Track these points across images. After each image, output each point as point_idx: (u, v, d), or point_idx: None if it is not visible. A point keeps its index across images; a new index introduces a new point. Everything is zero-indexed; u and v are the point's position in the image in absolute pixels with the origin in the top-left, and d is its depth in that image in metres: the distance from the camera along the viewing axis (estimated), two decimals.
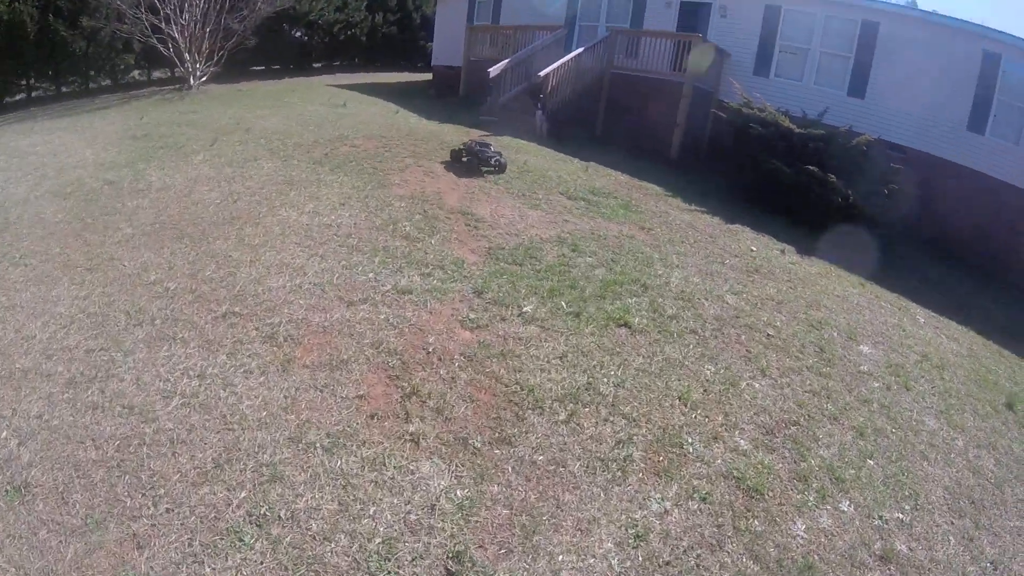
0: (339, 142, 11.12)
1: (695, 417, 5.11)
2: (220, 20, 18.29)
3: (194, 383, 4.62)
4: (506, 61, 14.87)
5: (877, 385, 6.21)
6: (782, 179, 11.43)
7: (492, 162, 9.96)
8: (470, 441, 4.38)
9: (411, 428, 4.40)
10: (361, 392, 4.67)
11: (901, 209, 11.83)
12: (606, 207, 9.47)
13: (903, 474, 5.07)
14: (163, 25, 17.47)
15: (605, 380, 5.31)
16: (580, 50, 14.25)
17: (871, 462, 5.09)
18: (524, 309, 6.04)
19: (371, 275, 6.27)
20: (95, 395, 4.49)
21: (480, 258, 7.00)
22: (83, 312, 5.55)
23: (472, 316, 5.78)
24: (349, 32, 25.41)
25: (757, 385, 5.73)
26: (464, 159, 10.15)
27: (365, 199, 8.20)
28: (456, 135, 12.52)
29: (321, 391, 4.64)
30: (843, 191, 10.94)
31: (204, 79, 19.00)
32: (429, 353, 5.19)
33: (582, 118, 14.62)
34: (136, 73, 22.09)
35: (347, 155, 10.24)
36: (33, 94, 19.69)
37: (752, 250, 9.27)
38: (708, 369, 5.80)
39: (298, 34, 25.06)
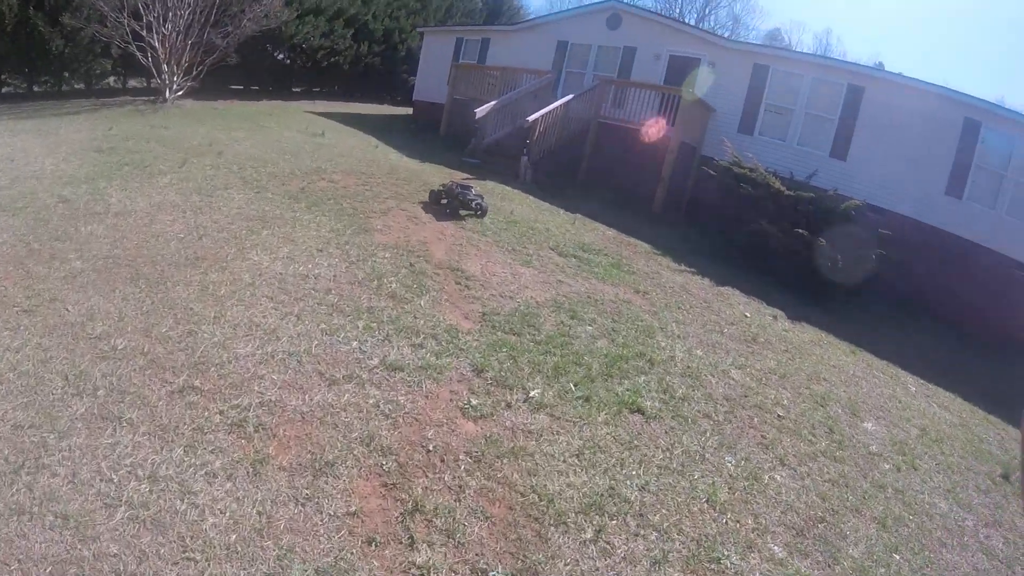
0: (317, 175, 10.16)
1: (726, 523, 4.41)
2: (203, 33, 17.22)
3: (144, 487, 3.57)
4: (493, 103, 14.11)
5: (888, 467, 5.78)
6: (771, 240, 10.83)
7: (472, 205, 9.14)
8: (490, 575, 3.44)
9: (418, 559, 3.43)
10: (353, 507, 3.68)
11: (886, 273, 11.29)
12: (598, 266, 8.70)
13: (928, 566, 4.66)
14: (144, 32, 16.34)
15: (628, 483, 4.48)
16: (569, 97, 13.57)
17: (897, 556, 4.65)
18: (531, 393, 5.14)
19: (355, 344, 5.29)
20: (22, 493, 3.42)
21: (475, 325, 6.09)
22: (13, 370, 4.46)
23: (474, 402, 4.85)
24: (332, 59, 24.35)
25: (779, 477, 5.13)
26: (443, 201, 9.30)
27: (345, 246, 7.25)
28: (439, 177, 11.68)
29: (304, 505, 3.64)
30: (832, 255, 10.36)
31: (180, 93, 17.83)
32: (430, 452, 4.24)
33: (566, 165, 13.90)
34: (112, 79, 20.86)
35: (325, 191, 9.29)
36: (3, 90, 18.40)
37: (746, 316, 8.72)
38: (729, 462, 5.13)
39: (281, 56, 23.99)
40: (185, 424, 4.09)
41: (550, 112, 13.18)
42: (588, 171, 14.19)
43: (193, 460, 3.81)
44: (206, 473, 3.73)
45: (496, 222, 9.32)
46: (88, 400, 4.24)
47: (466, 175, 12.40)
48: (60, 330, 5.00)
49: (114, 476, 3.64)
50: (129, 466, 3.72)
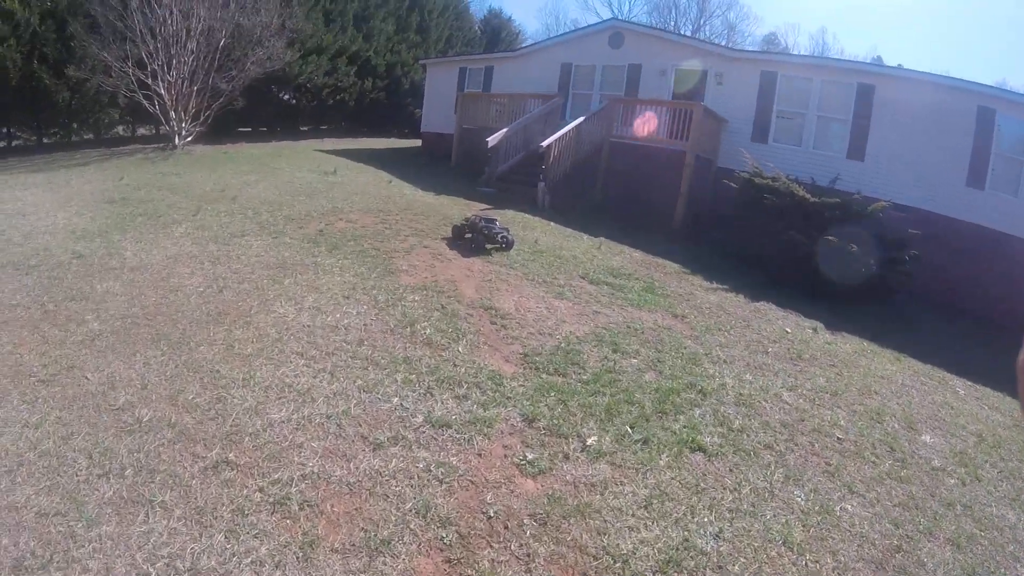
0: (334, 216, 9.83)
1: (806, 564, 3.99)
2: (208, 79, 17.07)
3: None
4: (504, 130, 13.80)
5: (953, 482, 5.37)
6: (800, 250, 10.40)
7: (499, 239, 8.78)
8: None
9: None
10: None
11: (918, 274, 10.85)
12: (631, 291, 8.31)
13: None
14: (150, 81, 16.20)
15: (701, 532, 4.04)
16: (580, 120, 13.23)
17: None
18: (588, 441, 4.72)
19: (396, 400, 4.87)
20: None
21: (517, 368, 5.69)
22: (34, 449, 4.06)
23: (530, 456, 4.43)
24: (338, 96, 24.21)
25: (850, 507, 4.69)
26: (468, 235, 8.94)
27: (372, 290, 6.87)
28: (457, 209, 11.35)
29: None
30: (864, 260, 9.93)
31: (189, 139, 17.64)
32: (491, 519, 3.80)
33: (582, 188, 13.55)
34: (120, 128, 20.70)
35: (344, 232, 8.95)
36: (13, 143, 18.25)
37: (787, 332, 8.32)
38: (798, 496, 4.69)
39: (286, 96, 23.84)
40: (223, 505, 3.68)
41: (563, 136, 12.85)
42: (604, 192, 13.84)
43: (236, 547, 3.39)
44: (252, 561, 3.32)
45: (522, 253, 8.95)
46: (116, 482, 3.84)
47: (484, 205, 12.07)
48: (80, 401, 4.61)
49: (151, 570, 3.23)
50: (167, 557, 3.31)
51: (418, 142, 21.73)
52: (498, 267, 8.21)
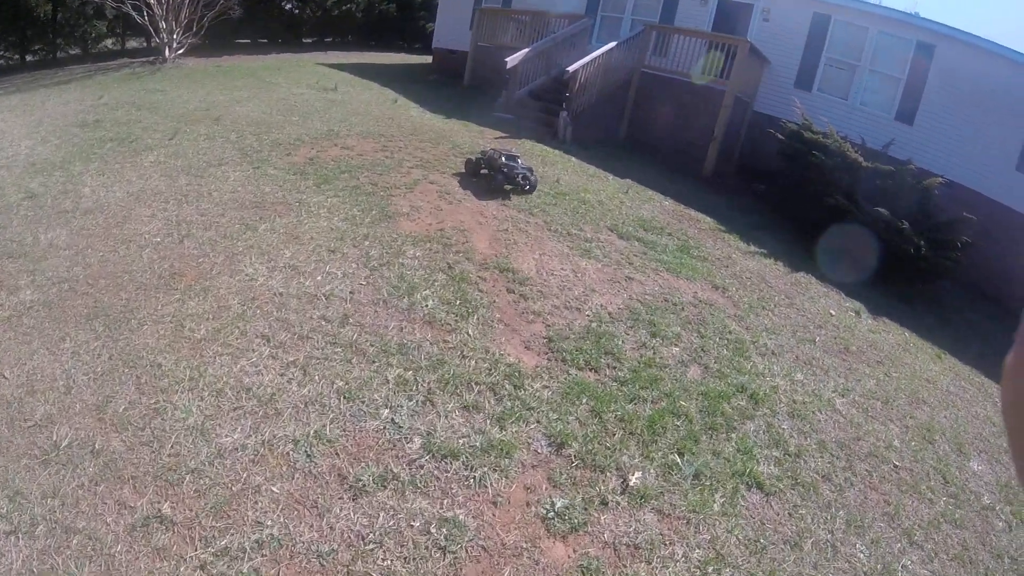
0: (328, 141, 8.39)
1: None
2: None
3: None
4: (525, 50, 12.08)
5: (1001, 524, 4.66)
6: (846, 218, 9.05)
7: (520, 179, 7.35)
8: None
9: None
10: None
11: (969, 261, 9.56)
12: (665, 250, 7.05)
13: None
14: None
15: None
16: (612, 45, 11.53)
17: None
18: (630, 480, 3.55)
19: (386, 413, 3.62)
20: None
21: (541, 359, 4.45)
22: None
23: (559, 504, 3.25)
24: (345, 7, 21.87)
25: (910, 564, 3.94)
26: (484, 171, 7.54)
27: (364, 241, 5.54)
28: (469, 136, 9.87)
29: None
30: (915, 241, 8.61)
31: (181, 51, 15.72)
32: None
33: (606, 121, 11.99)
34: (110, 42, 18.61)
35: (338, 161, 7.54)
36: None
37: (831, 314, 7.21)
38: (860, 550, 3.88)
39: (288, 6, 21.59)
40: None
41: (591, 62, 11.19)
42: (631, 127, 12.29)
43: None
44: None
45: (543, 196, 7.60)
46: (25, 546, 2.64)
47: (498, 133, 10.58)
48: None
49: None
50: None
51: (429, 59, 19.73)
52: (516, 212, 6.88)
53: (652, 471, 3.72)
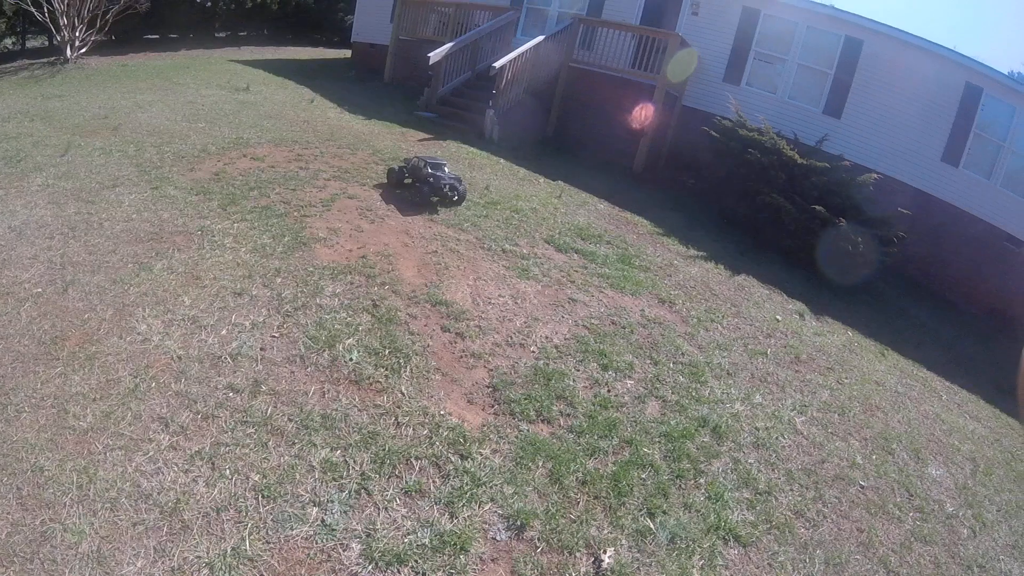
0: (236, 150, 7.51)
1: None
2: None
3: None
4: (448, 44, 11.33)
5: (966, 532, 4.53)
6: (782, 216, 8.76)
7: (447, 190, 6.64)
8: None
9: None
10: None
11: (903, 253, 9.46)
12: (605, 262, 6.54)
13: None
14: None
15: None
16: (539, 39, 10.89)
17: None
18: (603, 560, 2.98)
19: (314, 513, 2.89)
20: None
21: (487, 414, 3.81)
22: None
23: None
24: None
25: None
26: (407, 181, 6.82)
27: (275, 279, 4.71)
28: (391, 139, 9.11)
29: None
30: (852, 237, 8.39)
31: (84, 50, 14.20)
32: None
33: (534, 119, 11.37)
34: (9, 42, 16.80)
35: (247, 176, 6.68)
36: None
37: (777, 320, 6.89)
38: None
39: None
40: None
41: (519, 57, 10.55)
42: (559, 124, 11.71)
43: None
44: None
45: (474, 206, 6.94)
46: None
47: (422, 134, 9.85)
48: None
49: None
50: None
51: (348, 53, 18.64)
52: (445, 229, 6.20)
53: (624, 542, 3.18)
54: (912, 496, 4.65)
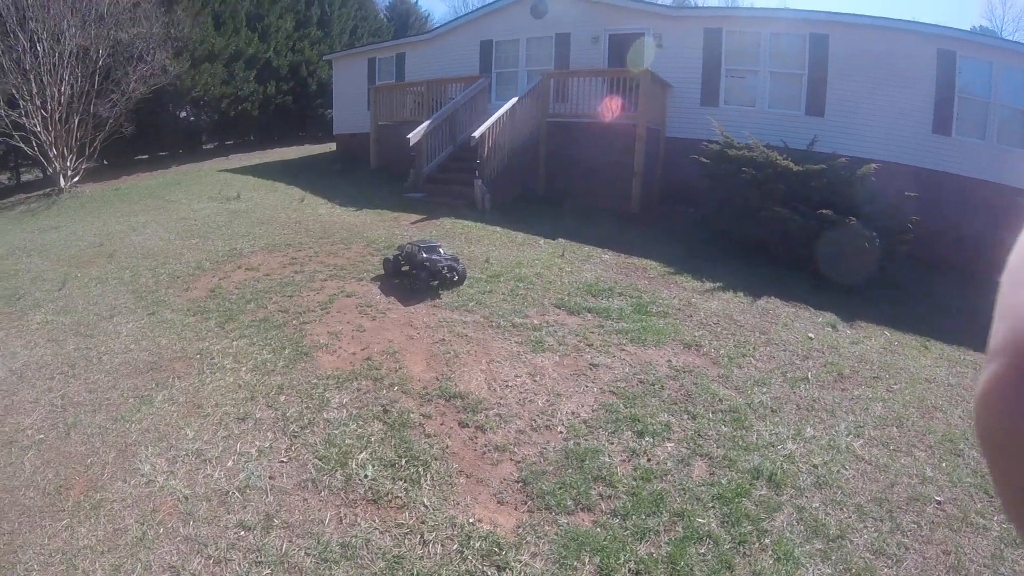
0: (231, 263, 7.37)
1: None
2: (89, 107, 13.91)
3: None
4: (426, 123, 11.32)
5: None
6: (789, 227, 8.45)
7: (446, 272, 6.40)
8: None
9: None
10: None
11: (920, 237, 9.10)
12: (621, 316, 6.21)
13: None
14: (24, 120, 12.97)
15: None
16: (513, 101, 10.85)
17: None
18: None
19: None
20: None
21: (519, 512, 3.46)
22: None
23: None
24: (240, 107, 20.63)
25: None
26: (405, 268, 6.61)
27: (279, 397, 4.44)
28: (384, 227, 8.97)
29: None
30: (866, 233, 8.05)
31: (77, 179, 14.45)
32: None
33: (522, 179, 11.25)
34: (4, 177, 17.20)
35: (242, 288, 6.51)
36: None
37: (810, 338, 6.51)
38: None
39: (183, 114, 20.33)
40: None
41: (497, 121, 10.48)
42: (548, 180, 11.57)
43: None
44: None
45: (476, 283, 6.70)
46: None
47: (414, 216, 9.71)
48: None
49: None
50: None
51: (333, 146, 18.84)
52: (450, 313, 5.93)
53: None
54: (992, 497, 4.20)
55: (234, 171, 15.42)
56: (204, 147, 21.14)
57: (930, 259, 10.93)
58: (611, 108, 10.73)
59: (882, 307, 7.94)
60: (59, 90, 13.41)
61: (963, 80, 11.26)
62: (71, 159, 14.28)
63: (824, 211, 8.20)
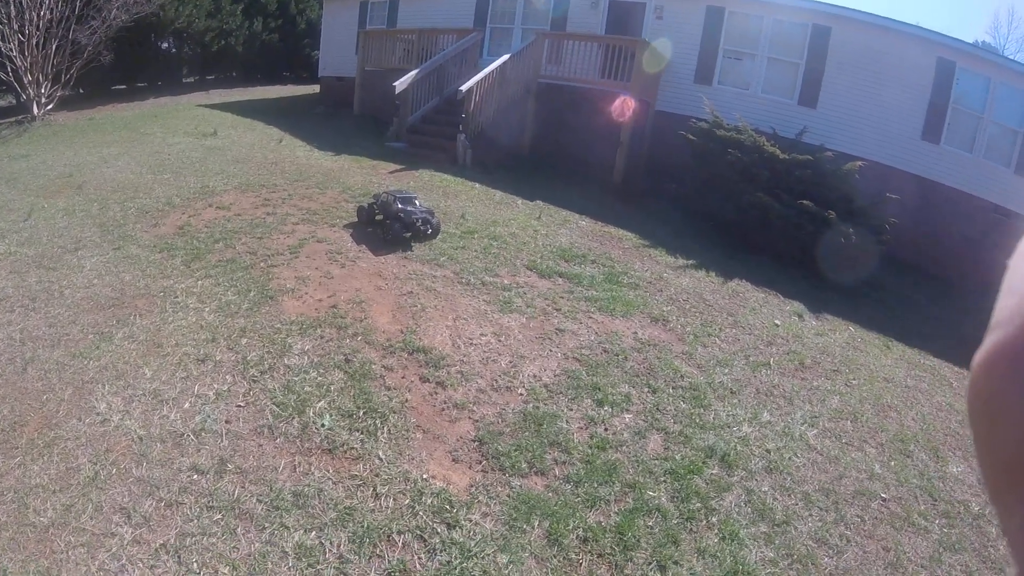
0: (202, 200, 7.22)
1: None
2: (68, 33, 13.32)
3: None
4: (413, 72, 11.08)
5: (994, 532, 4.15)
6: (770, 214, 8.50)
7: (420, 225, 6.34)
8: None
9: None
10: None
11: (894, 238, 9.20)
12: (592, 283, 6.24)
13: None
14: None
15: None
16: (505, 58, 10.67)
17: None
18: None
19: None
20: None
21: (474, 472, 3.49)
22: None
23: None
24: (224, 42, 19.84)
25: None
26: (379, 218, 6.54)
27: (241, 339, 4.40)
28: (361, 174, 8.84)
29: None
30: (844, 229, 8.15)
31: (51, 107, 13.87)
32: None
33: (507, 139, 11.12)
34: None
35: (212, 227, 6.39)
36: None
37: (776, 324, 6.61)
38: None
39: (165, 46, 19.54)
40: None
41: (485, 78, 10.30)
42: (533, 142, 11.45)
43: None
44: None
45: (449, 238, 6.66)
46: None
47: (394, 165, 9.58)
48: None
49: None
50: None
51: (317, 88, 18.40)
52: (420, 267, 5.91)
53: None
54: (936, 501, 4.36)
55: (213, 107, 15.02)
56: (185, 81, 20.43)
57: (905, 263, 11.10)
58: (601, 76, 10.60)
59: (851, 303, 8.05)
60: (38, 14, 12.80)
61: (959, 91, 11.33)
62: (46, 86, 13.73)
63: (805, 202, 8.25)
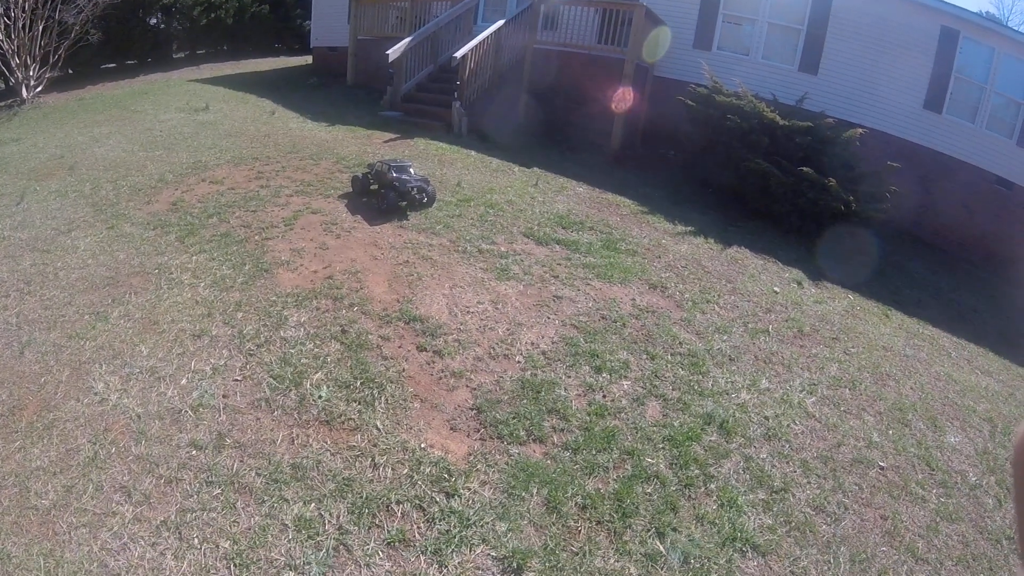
0: (195, 175, 7.16)
1: None
2: (55, 13, 13.10)
3: None
4: (407, 40, 10.92)
5: (991, 502, 4.18)
6: (769, 181, 8.44)
7: (415, 193, 6.32)
8: None
9: None
10: None
11: (896, 208, 9.16)
12: (590, 250, 6.22)
13: None
14: None
15: None
16: (500, 23, 10.50)
17: None
18: None
19: None
20: None
21: (472, 440, 3.51)
22: None
23: None
24: (213, 15, 19.49)
25: None
26: (373, 187, 6.51)
27: (236, 314, 4.40)
28: (356, 144, 8.76)
29: None
30: (843, 196, 8.10)
31: (40, 89, 13.70)
32: None
33: (503, 105, 10.99)
34: None
35: (206, 202, 6.35)
36: None
37: (776, 292, 6.59)
38: None
39: (154, 21, 19.22)
40: None
41: (480, 44, 10.15)
42: (529, 109, 11.32)
43: None
44: None
45: (445, 206, 6.62)
46: None
47: (388, 135, 9.49)
48: None
49: None
50: None
51: (309, 59, 18.15)
52: (416, 235, 5.88)
53: (633, 570, 2.90)
54: (933, 470, 4.37)
55: (204, 81, 14.83)
56: (175, 56, 20.12)
57: (904, 231, 11.09)
58: (597, 41, 10.45)
59: (850, 271, 8.02)
60: None
61: (962, 61, 11.17)
62: (34, 68, 13.54)
63: (805, 169, 8.19)
